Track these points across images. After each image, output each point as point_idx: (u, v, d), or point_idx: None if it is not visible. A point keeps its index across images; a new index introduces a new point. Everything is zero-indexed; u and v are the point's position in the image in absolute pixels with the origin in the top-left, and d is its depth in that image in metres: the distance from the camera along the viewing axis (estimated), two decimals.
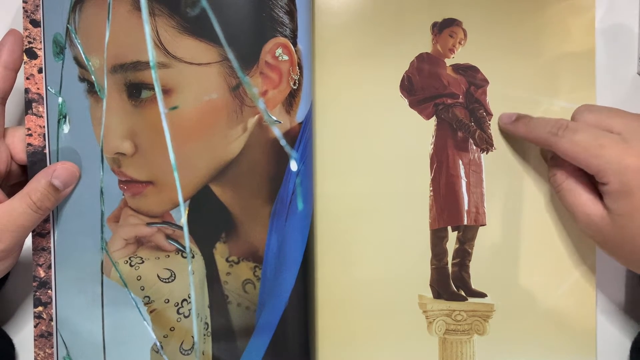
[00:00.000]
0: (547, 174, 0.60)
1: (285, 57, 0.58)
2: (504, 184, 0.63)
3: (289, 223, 0.58)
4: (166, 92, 0.57)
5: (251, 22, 0.57)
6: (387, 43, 0.63)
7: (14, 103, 0.63)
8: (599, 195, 0.55)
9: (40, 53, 0.58)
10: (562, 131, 0.55)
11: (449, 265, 0.63)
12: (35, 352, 0.60)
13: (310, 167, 0.60)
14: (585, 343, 0.62)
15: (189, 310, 0.60)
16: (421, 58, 0.63)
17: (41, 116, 0.58)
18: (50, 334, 0.60)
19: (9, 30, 0.58)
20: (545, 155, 0.62)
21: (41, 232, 0.59)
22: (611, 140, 0.53)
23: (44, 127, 0.58)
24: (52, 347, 0.60)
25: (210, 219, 0.59)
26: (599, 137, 0.53)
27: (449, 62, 0.63)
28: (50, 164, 0.58)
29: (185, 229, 0.59)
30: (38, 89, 0.58)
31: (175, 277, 0.59)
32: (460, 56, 0.63)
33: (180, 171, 0.58)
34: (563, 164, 0.57)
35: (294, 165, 0.58)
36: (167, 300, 0.60)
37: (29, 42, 0.58)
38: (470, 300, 0.63)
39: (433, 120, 0.63)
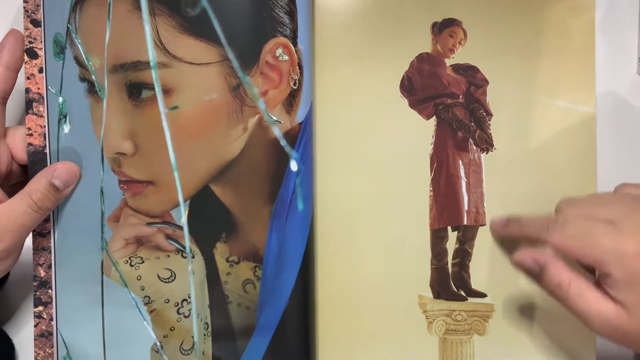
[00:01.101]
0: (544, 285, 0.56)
1: (286, 57, 0.58)
2: (504, 184, 0.63)
3: (289, 223, 0.58)
4: (166, 92, 0.57)
5: (251, 22, 0.57)
6: (387, 43, 0.63)
7: (14, 103, 0.63)
8: (602, 290, 0.53)
9: (41, 53, 0.58)
10: (553, 226, 0.54)
11: (449, 265, 0.63)
12: (35, 351, 0.60)
13: (311, 167, 0.60)
14: (585, 343, 0.62)
15: (189, 310, 0.60)
16: (421, 58, 0.63)
17: (42, 116, 0.58)
18: (50, 334, 0.60)
19: (9, 30, 0.58)
20: (529, 268, 0.57)
21: (41, 232, 0.59)
22: (603, 229, 0.51)
23: (44, 126, 0.58)
24: (52, 347, 0.60)
25: (210, 219, 0.59)
26: (590, 227, 0.52)
27: (449, 62, 0.63)
28: (50, 163, 0.58)
29: (186, 229, 0.59)
30: (39, 88, 0.58)
31: (175, 277, 0.59)
32: (460, 56, 0.63)
33: (181, 171, 0.58)
34: (559, 271, 0.54)
35: (294, 165, 0.58)
36: (167, 300, 0.60)
37: (30, 42, 0.58)
38: (470, 300, 0.63)
39: (433, 120, 0.63)
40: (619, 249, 0.50)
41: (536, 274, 0.55)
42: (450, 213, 0.63)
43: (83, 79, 0.58)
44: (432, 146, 0.63)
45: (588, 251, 0.51)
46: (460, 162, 0.63)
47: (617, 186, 0.57)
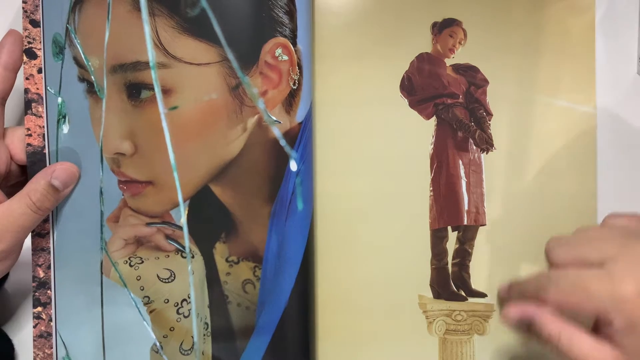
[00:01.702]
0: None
1: (285, 57, 0.58)
2: (504, 184, 0.63)
3: (289, 223, 0.58)
4: (166, 92, 0.57)
5: (251, 22, 0.57)
6: (387, 43, 0.63)
7: (14, 103, 0.63)
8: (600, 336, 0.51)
9: (40, 53, 0.58)
10: (548, 283, 0.52)
11: (449, 265, 0.63)
12: (34, 352, 0.60)
13: (310, 167, 0.60)
14: None
15: (189, 310, 0.59)
16: (421, 58, 0.63)
17: (41, 116, 0.58)
18: (50, 334, 0.60)
19: (8, 30, 0.57)
20: (517, 322, 0.55)
21: (40, 233, 0.59)
22: (595, 276, 0.49)
23: (43, 127, 0.58)
24: (52, 348, 0.60)
25: (210, 219, 0.59)
26: (583, 277, 0.50)
27: (449, 62, 0.63)
28: (49, 164, 0.58)
29: (185, 229, 0.59)
30: (37, 89, 0.58)
31: (175, 277, 0.59)
32: (460, 56, 0.63)
33: (180, 171, 0.58)
34: (547, 323, 0.51)
35: (293, 165, 0.58)
36: (166, 300, 0.59)
37: (29, 42, 0.58)
38: (470, 300, 0.63)
39: (433, 120, 0.63)
40: (615, 295, 0.48)
41: (525, 328, 0.53)
42: (450, 213, 0.63)
43: (82, 79, 0.58)
44: (432, 146, 0.63)
45: (585, 304, 0.49)
46: (460, 162, 0.63)
47: (606, 217, 0.55)
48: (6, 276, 0.62)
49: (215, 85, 0.57)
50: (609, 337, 0.48)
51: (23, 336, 0.64)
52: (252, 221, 0.59)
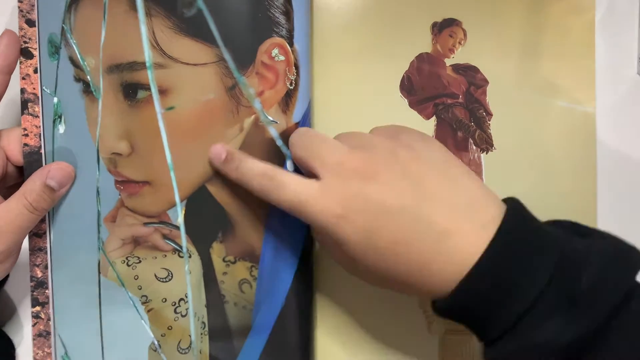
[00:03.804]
0: None
1: (282, 57, 0.58)
2: (504, 184, 0.63)
3: (286, 223, 0.58)
4: (162, 92, 0.57)
5: (247, 23, 0.57)
6: (387, 43, 0.63)
7: (13, 104, 0.63)
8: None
9: (36, 53, 0.58)
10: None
11: None
12: (34, 351, 0.60)
13: None
14: None
15: (186, 309, 0.60)
16: (421, 58, 0.63)
17: (37, 116, 0.58)
18: (49, 334, 0.60)
19: (4, 31, 0.57)
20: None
21: (37, 232, 0.59)
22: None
23: (39, 127, 0.59)
24: (51, 347, 0.60)
25: (207, 219, 0.59)
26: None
27: (449, 62, 0.63)
28: (46, 164, 0.59)
29: (182, 228, 0.59)
30: (34, 88, 0.58)
31: (172, 277, 0.59)
32: (460, 56, 0.63)
33: (177, 171, 0.58)
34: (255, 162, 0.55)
35: (290, 166, 0.58)
36: (164, 300, 0.60)
37: (25, 42, 0.58)
38: None
39: (433, 120, 0.63)
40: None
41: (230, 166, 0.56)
42: None
43: (78, 79, 0.58)
44: None
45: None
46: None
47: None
48: (6, 278, 0.62)
49: (212, 85, 0.57)
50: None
51: (23, 336, 0.65)
52: (248, 221, 0.59)
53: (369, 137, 0.53)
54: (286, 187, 0.51)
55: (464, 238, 0.48)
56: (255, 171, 0.53)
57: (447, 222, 0.48)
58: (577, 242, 0.49)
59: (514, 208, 0.50)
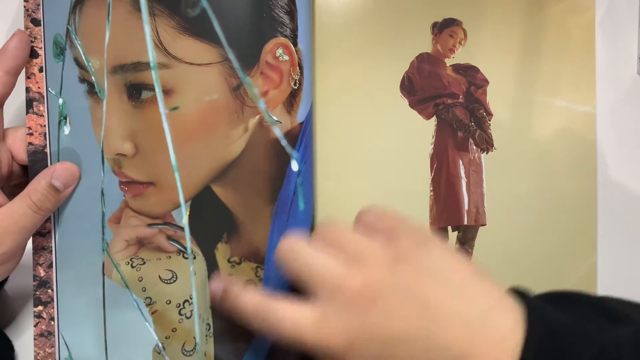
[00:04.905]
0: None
1: (286, 57, 0.58)
2: (504, 184, 0.63)
3: (291, 223, 0.58)
4: (167, 92, 0.57)
5: (251, 23, 0.57)
6: (387, 43, 0.63)
7: (17, 103, 0.63)
8: None
9: (41, 52, 0.58)
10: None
11: None
12: (35, 350, 0.60)
13: (311, 167, 0.60)
14: None
15: (191, 311, 0.59)
16: (421, 58, 0.63)
17: (42, 115, 0.58)
18: (50, 333, 0.60)
19: (16, 31, 0.57)
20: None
21: (41, 232, 0.59)
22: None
23: (44, 126, 0.58)
24: (53, 347, 0.60)
25: (211, 220, 0.59)
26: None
27: (449, 62, 0.63)
28: (51, 164, 0.58)
29: (187, 229, 0.59)
30: (39, 87, 0.58)
31: (176, 278, 0.59)
32: (460, 56, 0.63)
33: (181, 172, 0.58)
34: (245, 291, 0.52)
35: (295, 166, 0.58)
36: (168, 301, 0.59)
37: (30, 41, 0.58)
38: None
39: (433, 120, 0.63)
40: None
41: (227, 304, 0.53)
42: (450, 213, 0.63)
43: (83, 80, 0.58)
44: (432, 146, 0.63)
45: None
46: (461, 162, 0.63)
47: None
48: (6, 279, 0.62)
49: (216, 85, 0.57)
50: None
51: (24, 335, 0.64)
52: (253, 222, 0.59)
53: (361, 242, 0.50)
54: (284, 321, 0.49)
55: (483, 358, 0.44)
56: (249, 309, 0.51)
57: (462, 344, 0.45)
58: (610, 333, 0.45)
59: (531, 311, 0.46)
